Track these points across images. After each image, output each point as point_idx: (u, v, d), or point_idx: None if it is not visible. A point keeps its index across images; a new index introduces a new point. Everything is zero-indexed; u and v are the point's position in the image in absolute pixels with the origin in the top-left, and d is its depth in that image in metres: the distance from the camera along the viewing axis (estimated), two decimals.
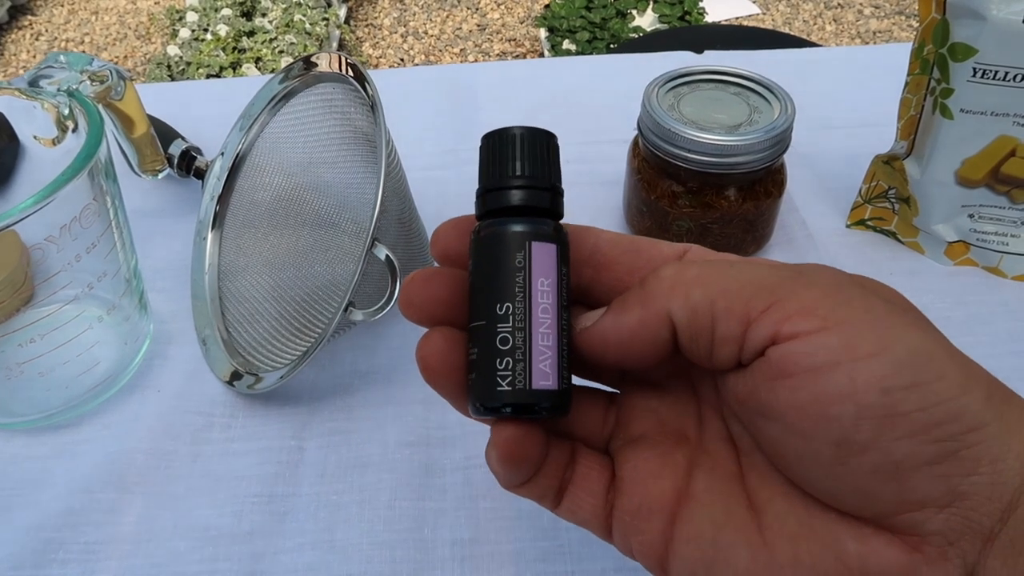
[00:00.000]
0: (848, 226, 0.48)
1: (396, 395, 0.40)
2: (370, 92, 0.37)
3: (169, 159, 0.48)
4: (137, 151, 0.45)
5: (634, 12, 2.24)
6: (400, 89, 0.61)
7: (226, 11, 2.27)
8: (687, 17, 2.22)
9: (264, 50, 2.16)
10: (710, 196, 0.43)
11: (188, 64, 2.13)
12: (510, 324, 0.21)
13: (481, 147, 0.24)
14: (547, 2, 2.50)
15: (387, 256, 0.34)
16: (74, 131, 0.39)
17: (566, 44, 2.14)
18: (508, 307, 0.21)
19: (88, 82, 0.39)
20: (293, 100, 0.44)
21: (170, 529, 0.35)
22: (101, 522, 0.36)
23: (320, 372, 0.41)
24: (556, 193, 0.23)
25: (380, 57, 2.39)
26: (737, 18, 2.43)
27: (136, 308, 0.41)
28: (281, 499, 0.36)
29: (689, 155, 0.41)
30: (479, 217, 0.24)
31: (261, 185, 0.46)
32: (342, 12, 2.42)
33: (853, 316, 0.20)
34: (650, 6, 2.27)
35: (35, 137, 0.41)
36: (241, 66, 2.12)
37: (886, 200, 0.47)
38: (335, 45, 2.33)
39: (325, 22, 2.27)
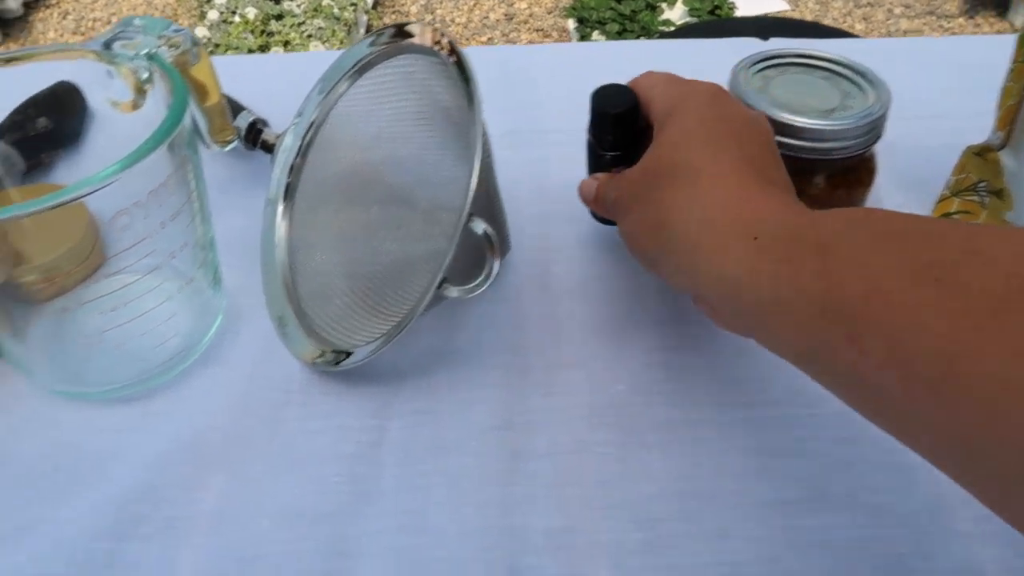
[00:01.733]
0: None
1: (478, 378, 0.39)
2: (467, 67, 0.35)
3: (236, 131, 0.47)
4: (208, 120, 0.44)
5: (664, 5, 2.22)
6: None
7: None
8: (717, 11, 2.20)
9: (292, 34, 2.15)
10: (798, 182, 0.41)
11: (216, 46, 2.12)
12: None
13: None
14: None
15: (484, 230, 0.33)
16: (147, 96, 0.38)
17: (595, 35, 2.12)
18: None
19: (165, 47, 0.38)
20: (369, 72, 0.43)
21: (251, 508, 0.34)
22: (180, 499, 0.35)
23: (399, 352, 0.40)
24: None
25: None
26: (766, 14, 2.40)
27: (210, 282, 0.40)
28: (364, 480, 0.35)
29: (780, 139, 0.40)
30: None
31: (333, 159, 0.45)
32: None
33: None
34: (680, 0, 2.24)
35: (112, 102, 0.40)
36: (269, 49, 2.11)
37: (975, 193, 0.45)
38: (362, 31, 2.31)
39: (353, 7, 2.26)
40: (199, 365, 0.40)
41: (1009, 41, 0.61)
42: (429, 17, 2.49)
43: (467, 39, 2.38)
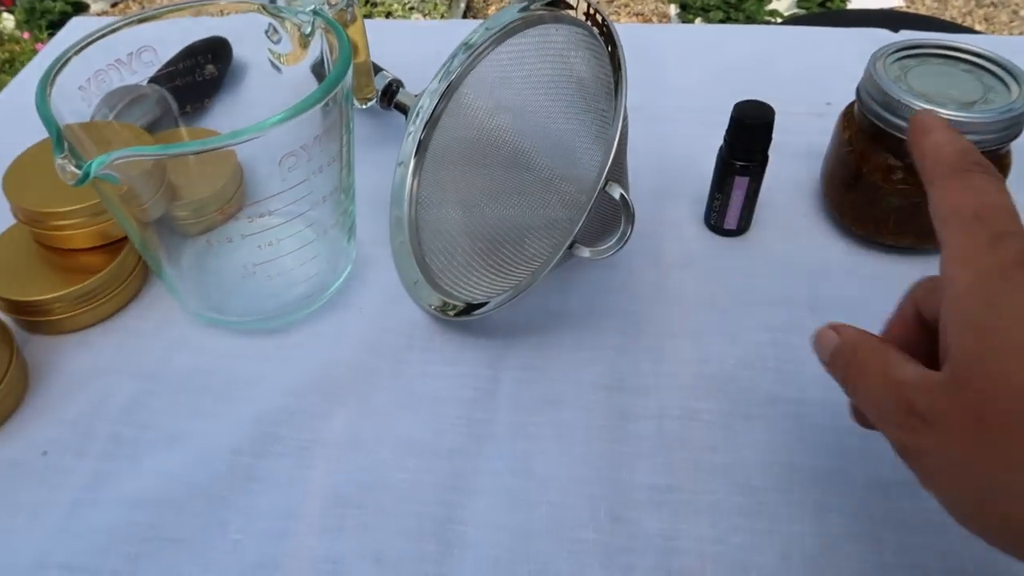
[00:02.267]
0: None
1: (588, 339, 0.41)
2: (616, 39, 0.37)
3: (375, 90, 0.50)
4: (355, 78, 0.47)
5: None
6: None
7: None
8: (827, 4, 2.13)
9: (395, 5, 2.19)
10: None
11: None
12: None
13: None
14: None
15: (621, 195, 0.34)
16: (308, 49, 0.41)
17: (698, 22, 2.09)
18: None
19: (327, 5, 0.41)
20: (511, 39, 0.44)
21: (375, 439, 0.37)
22: (314, 424, 0.37)
23: (514, 309, 0.42)
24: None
25: None
26: (879, 8, 2.32)
27: (347, 230, 0.43)
28: (479, 424, 0.37)
29: None
30: None
31: (464, 123, 0.47)
32: None
33: None
34: None
35: (276, 55, 0.43)
36: (371, 19, 2.16)
37: None
38: (463, 5, 2.34)
39: None
40: (329, 307, 0.43)
41: None
42: None
43: None
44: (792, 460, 0.36)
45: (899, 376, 0.24)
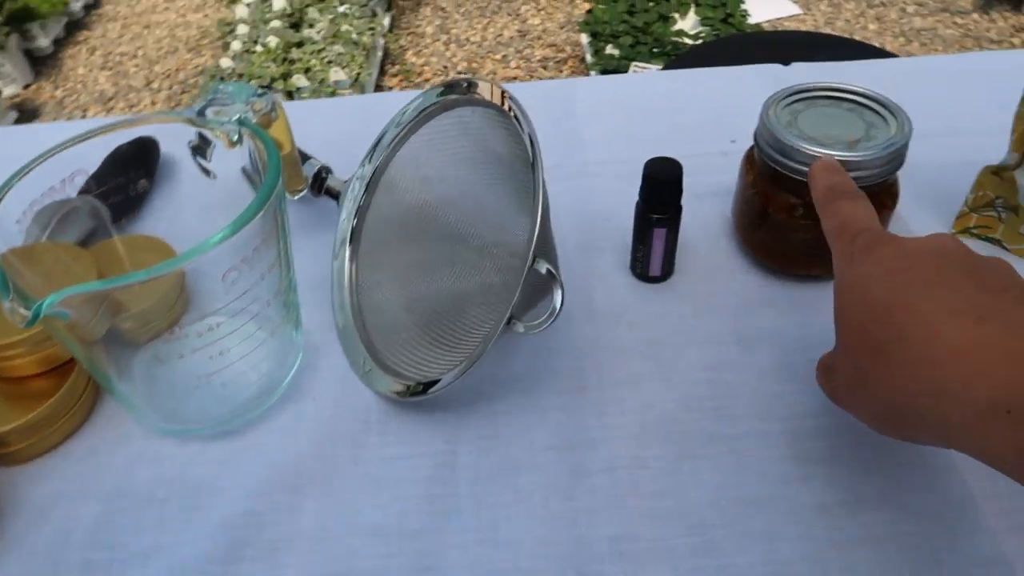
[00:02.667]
0: (953, 234, 0.50)
1: (536, 402, 0.43)
2: (528, 128, 0.39)
3: (305, 180, 0.52)
4: (284, 171, 0.48)
5: (676, 15, 2.25)
6: None
7: (275, 23, 2.32)
8: (730, 19, 2.22)
9: (313, 60, 2.21)
10: None
11: (240, 76, 2.18)
12: None
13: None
14: (588, 7, 2.52)
15: (548, 270, 0.37)
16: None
17: (609, 49, 2.16)
18: None
19: (251, 111, 0.42)
20: (430, 123, 0.47)
21: (343, 528, 0.38)
22: (281, 521, 0.39)
23: (461, 381, 0.44)
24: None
25: (424, 65, 2.42)
26: (779, 18, 2.43)
27: (293, 323, 0.44)
28: (441, 499, 0.39)
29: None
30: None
31: (394, 203, 0.49)
32: (386, 21, 2.47)
33: None
34: (692, 9, 2.28)
35: (201, 165, 0.44)
36: (291, 77, 2.17)
37: (992, 209, 0.48)
38: (380, 55, 2.37)
39: (371, 31, 2.31)
40: (283, 401, 0.44)
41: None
42: (444, 37, 2.54)
43: (482, 57, 2.43)
44: (738, 494, 0.38)
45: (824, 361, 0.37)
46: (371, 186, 0.49)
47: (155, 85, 2.42)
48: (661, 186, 0.45)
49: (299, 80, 2.14)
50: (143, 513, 0.39)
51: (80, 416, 0.44)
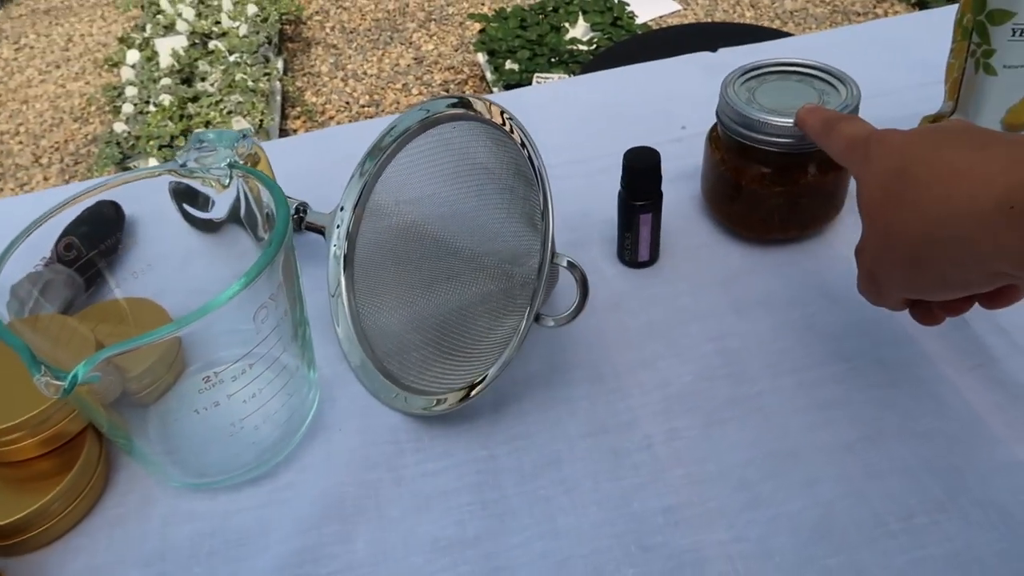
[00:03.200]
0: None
1: (560, 395, 0.44)
2: (530, 143, 0.41)
3: None
4: None
5: (567, 25, 2.32)
6: None
7: (165, 80, 2.27)
8: (619, 22, 2.30)
9: (212, 113, 2.16)
10: (795, 174, 0.48)
11: (137, 138, 2.12)
12: None
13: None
14: (479, 27, 2.56)
15: (569, 262, 0.38)
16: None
17: (508, 64, 2.20)
18: None
19: (236, 155, 0.42)
20: (411, 143, 0.48)
21: (402, 548, 0.38)
22: (336, 553, 0.38)
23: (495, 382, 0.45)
24: None
25: (325, 103, 2.41)
26: (662, 16, 2.53)
27: (308, 361, 0.44)
28: (494, 503, 0.40)
29: (777, 139, 0.46)
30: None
31: (383, 228, 0.49)
32: (280, 65, 2.44)
33: None
34: (580, 17, 2.35)
35: (191, 215, 0.44)
36: (190, 133, 2.11)
37: None
38: (279, 98, 2.34)
39: (267, 77, 2.28)
40: (308, 438, 0.44)
41: (921, 19, 0.70)
42: (341, 73, 2.53)
43: (382, 88, 2.43)
44: (770, 448, 0.41)
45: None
46: (356, 213, 0.49)
47: (44, 160, 2.31)
48: (642, 174, 0.47)
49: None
50: (191, 572, 0.38)
51: (97, 489, 0.42)
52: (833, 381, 0.43)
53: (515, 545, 0.38)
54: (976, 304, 0.35)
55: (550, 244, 0.38)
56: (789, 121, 0.45)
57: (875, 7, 2.50)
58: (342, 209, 0.50)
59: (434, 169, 0.48)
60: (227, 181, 0.41)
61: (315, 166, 0.62)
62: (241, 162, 0.43)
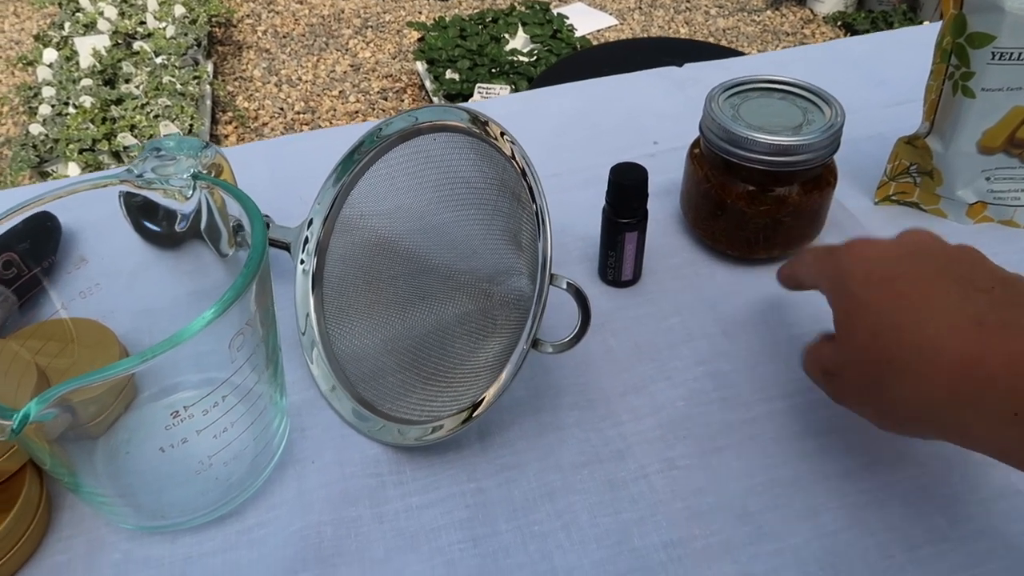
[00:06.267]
0: (876, 203, 0.54)
1: (549, 422, 0.42)
2: (529, 166, 0.39)
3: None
4: (224, 224, 0.45)
5: (507, 36, 2.31)
6: None
7: (86, 81, 2.15)
8: (559, 35, 2.31)
9: (138, 116, 2.06)
10: (779, 192, 0.47)
11: (56, 141, 2.00)
12: None
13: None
14: (418, 36, 2.53)
15: (568, 283, 0.36)
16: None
17: (449, 74, 2.17)
18: None
19: (199, 166, 0.39)
20: (388, 153, 0.45)
21: None
22: None
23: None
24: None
25: (258, 109, 2.34)
26: (599, 30, 2.56)
27: (279, 388, 0.41)
28: (485, 540, 0.37)
29: (763, 156, 0.45)
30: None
31: (354, 243, 0.46)
32: (209, 68, 2.36)
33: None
34: (520, 28, 2.34)
35: (141, 226, 0.40)
36: (116, 136, 2.02)
37: (908, 175, 0.53)
38: (209, 103, 2.26)
39: (196, 80, 2.20)
40: (279, 471, 0.40)
41: (898, 38, 0.71)
42: (274, 78, 2.46)
43: (319, 95, 2.37)
44: (769, 477, 0.39)
45: (816, 353, 0.38)
46: (328, 226, 0.46)
47: None
48: (629, 190, 0.45)
49: (126, 139, 1.99)
50: None
51: (39, 533, 0.38)
52: (824, 406, 0.42)
53: None
54: None
55: (548, 264, 0.36)
56: (776, 139, 0.44)
57: (803, 27, 2.58)
58: (310, 223, 0.46)
59: (411, 182, 0.45)
60: (190, 193, 0.38)
61: (274, 176, 0.58)
62: (204, 172, 0.39)
